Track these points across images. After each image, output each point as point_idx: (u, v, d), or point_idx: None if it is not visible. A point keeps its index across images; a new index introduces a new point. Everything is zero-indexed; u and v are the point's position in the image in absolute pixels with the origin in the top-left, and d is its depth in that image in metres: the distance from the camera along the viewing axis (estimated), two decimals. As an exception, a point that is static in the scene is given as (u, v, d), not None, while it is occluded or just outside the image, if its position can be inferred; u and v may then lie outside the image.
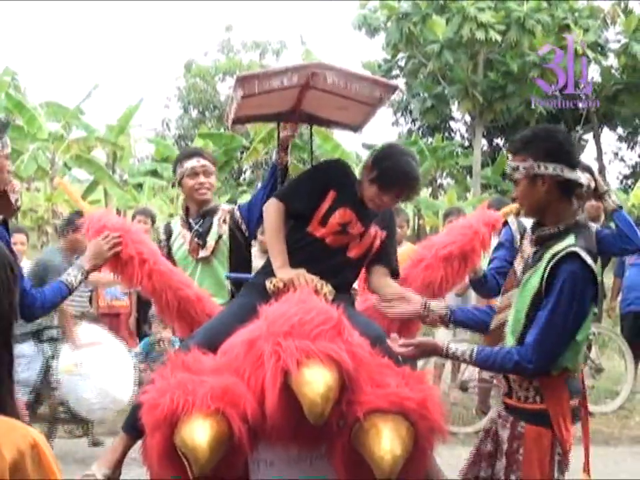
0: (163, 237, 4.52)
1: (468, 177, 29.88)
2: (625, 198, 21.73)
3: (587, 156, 32.28)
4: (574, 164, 2.95)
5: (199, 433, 2.55)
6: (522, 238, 3.94)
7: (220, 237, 4.32)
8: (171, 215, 23.59)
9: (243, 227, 4.33)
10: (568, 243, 2.86)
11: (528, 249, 3.18)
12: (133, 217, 8.27)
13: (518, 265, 3.20)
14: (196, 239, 4.34)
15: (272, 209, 3.52)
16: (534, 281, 2.94)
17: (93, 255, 3.59)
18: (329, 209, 3.50)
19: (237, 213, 4.36)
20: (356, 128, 4.27)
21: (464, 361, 2.98)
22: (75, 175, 28.99)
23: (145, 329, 7.99)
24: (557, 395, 2.97)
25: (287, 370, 2.59)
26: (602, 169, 30.01)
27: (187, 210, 4.51)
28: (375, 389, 2.76)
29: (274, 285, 3.26)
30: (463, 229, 3.87)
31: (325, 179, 3.58)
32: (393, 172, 3.48)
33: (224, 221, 4.34)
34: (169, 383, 2.72)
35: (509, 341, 2.96)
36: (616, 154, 35.41)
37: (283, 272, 3.32)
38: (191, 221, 4.42)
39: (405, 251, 6.28)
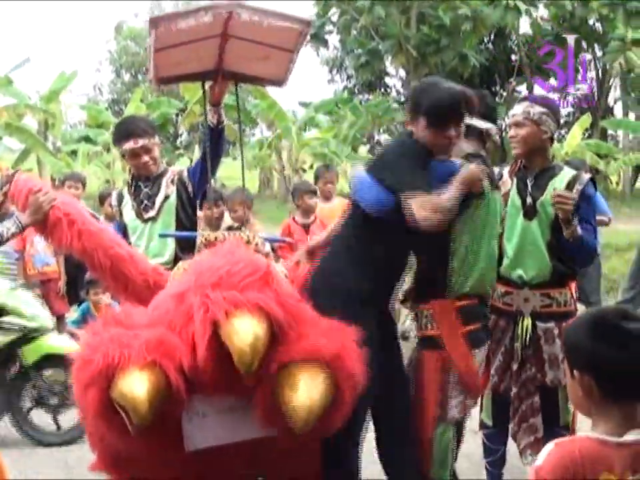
0: (115, 202, 4.68)
1: (404, 132, 30.05)
2: (558, 147, 22.09)
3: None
4: None
5: (136, 385, 2.57)
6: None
7: (167, 197, 4.46)
8: (107, 181, 23.32)
9: (190, 188, 4.46)
10: None
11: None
12: (63, 183, 8.17)
13: None
14: (145, 201, 4.46)
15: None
16: None
17: (33, 210, 3.61)
18: None
19: (185, 174, 4.50)
20: (280, 82, 4.33)
21: None
22: (7, 144, 28.31)
23: (82, 295, 7.94)
24: (447, 319, 3.17)
25: (215, 321, 2.62)
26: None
27: (133, 175, 4.60)
28: (295, 340, 2.78)
29: (205, 239, 3.32)
30: None
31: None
32: (439, 102, 3.25)
33: (172, 181, 4.48)
34: (102, 338, 2.73)
35: None
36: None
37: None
38: (140, 184, 4.52)
39: (337, 206, 6.39)
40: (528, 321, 3.85)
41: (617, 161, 24.32)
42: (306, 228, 6.43)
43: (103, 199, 8.20)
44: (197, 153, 30.96)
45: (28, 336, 5.13)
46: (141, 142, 4.40)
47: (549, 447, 1.87)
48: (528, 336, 3.85)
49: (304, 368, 2.69)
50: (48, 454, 5.04)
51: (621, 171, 26.28)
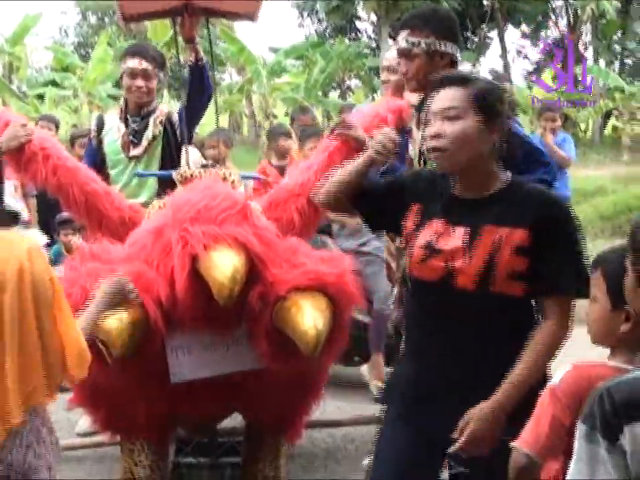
0: (94, 128, 4.51)
1: (375, 78, 29.85)
2: (528, 94, 22.08)
3: (492, 53, 32.70)
4: (461, 46, 3.12)
5: (113, 317, 2.59)
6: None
7: (154, 137, 4.36)
8: (75, 126, 22.95)
9: (178, 131, 4.37)
10: None
11: (416, 133, 3.26)
12: (36, 124, 8.07)
13: (412, 152, 3.28)
14: (131, 137, 4.36)
15: None
16: None
17: (9, 137, 3.55)
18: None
19: (175, 117, 4.40)
20: (251, 16, 4.26)
21: None
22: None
23: (54, 236, 7.92)
24: None
25: (194, 255, 2.64)
26: (506, 66, 30.37)
27: (125, 103, 4.46)
28: (292, 269, 2.82)
29: (181, 175, 3.30)
30: (368, 117, 3.80)
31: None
32: None
33: (160, 121, 4.37)
34: (80, 273, 2.74)
35: None
36: (519, 51, 35.81)
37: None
38: (129, 117, 4.40)
39: (312, 148, 6.38)
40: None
41: (587, 107, 24.36)
42: (281, 170, 6.40)
43: (73, 140, 8.11)
44: (165, 96, 30.51)
45: None
46: (144, 64, 4.29)
47: (567, 368, 1.95)
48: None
49: (307, 294, 2.72)
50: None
51: (590, 117, 26.36)
